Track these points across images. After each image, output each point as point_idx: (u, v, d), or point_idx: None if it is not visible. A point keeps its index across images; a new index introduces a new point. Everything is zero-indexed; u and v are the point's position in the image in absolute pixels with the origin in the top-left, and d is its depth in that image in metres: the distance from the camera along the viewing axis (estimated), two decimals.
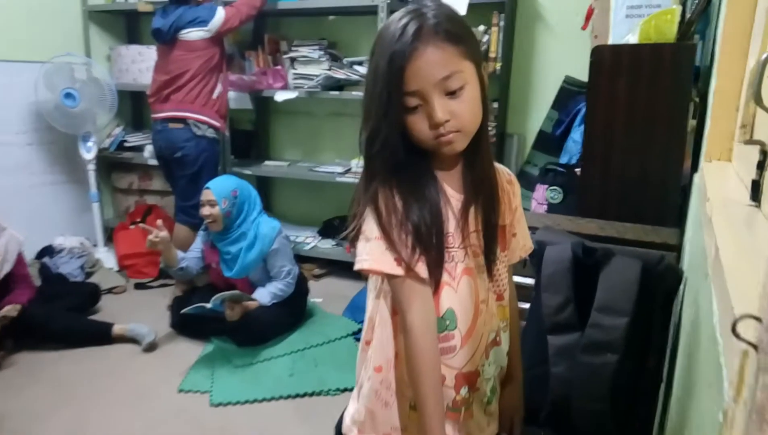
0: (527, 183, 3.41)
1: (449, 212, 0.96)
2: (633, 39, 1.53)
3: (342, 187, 3.57)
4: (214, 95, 3.00)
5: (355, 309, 2.94)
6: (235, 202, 2.59)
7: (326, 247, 3.61)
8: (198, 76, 2.92)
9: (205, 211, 2.56)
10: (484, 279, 1.01)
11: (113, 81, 3.72)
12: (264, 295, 2.61)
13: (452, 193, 0.97)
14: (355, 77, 3.31)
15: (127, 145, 4.01)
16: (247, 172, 3.58)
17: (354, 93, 3.29)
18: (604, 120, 1.51)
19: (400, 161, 0.93)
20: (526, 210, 3.17)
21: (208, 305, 2.42)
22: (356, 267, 0.94)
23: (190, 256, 2.69)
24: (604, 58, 1.51)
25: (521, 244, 1.10)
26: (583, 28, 2.89)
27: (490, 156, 1.01)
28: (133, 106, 4.35)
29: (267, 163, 3.77)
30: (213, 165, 3.06)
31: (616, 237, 1.49)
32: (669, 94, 1.43)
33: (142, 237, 3.61)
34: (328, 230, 3.78)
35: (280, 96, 3.38)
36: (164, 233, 2.47)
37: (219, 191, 2.56)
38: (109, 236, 3.92)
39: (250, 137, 3.96)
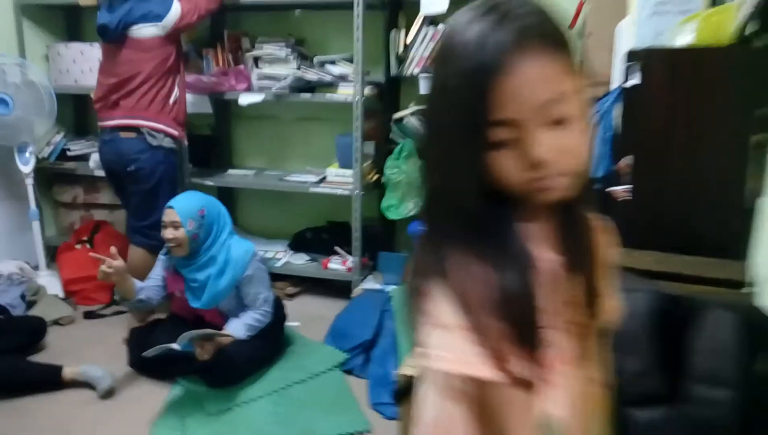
0: None
1: (543, 281, 0.71)
2: (684, 40, 1.32)
3: (314, 197, 3.28)
4: (171, 100, 2.65)
5: (339, 335, 2.66)
6: (202, 223, 2.27)
7: (299, 262, 3.31)
8: (152, 79, 2.57)
9: (168, 233, 2.23)
10: (590, 367, 0.76)
11: (51, 84, 3.31)
12: (239, 329, 2.31)
13: (544, 254, 0.72)
14: (327, 78, 3.02)
15: (69, 154, 3.59)
16: (208, 182, 3.24)
17: (328, 95, 3.00)
18: (656, 134, 1.29)
19: (475, 212, 0.68)
20: None
21: (176, 346, 2.09)
22: (433, 365, 0.67)
23: (150, 284, 2.35)
24: (655, 63, 1.28)
25: (612, 307, 0.86)
26: (571, 26, 2.67)
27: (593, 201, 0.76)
28: (76, 111, 3.92)
29: (231, 172, 3.43)
30: (171, 179, 2.72)
31: (669, 272, 1.28)
32: (735, 103, 1.22)
33: (90, 258, 3.25)
34: (299, 244, 3.48)
35: (245, 99, 3.06)
36: (119, 262, 2.14)
37: (184, 211, 2.23)
38: (53, 257, 3.50)
39: (209, 144, 3.61)
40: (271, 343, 2.48)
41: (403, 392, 1.74)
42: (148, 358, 2.23)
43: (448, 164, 0.66)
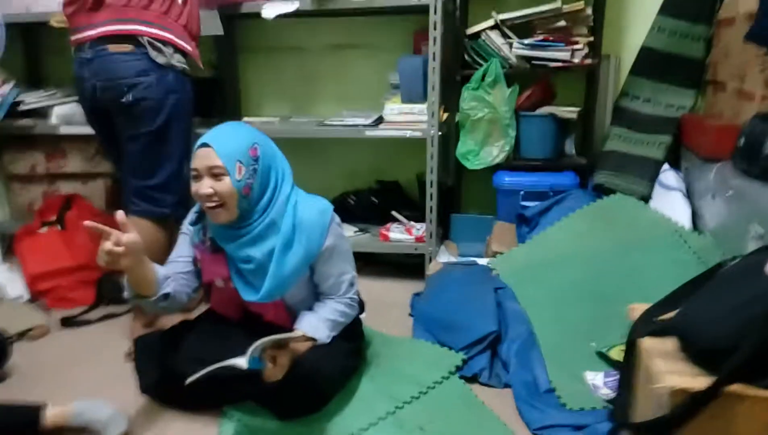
0: (628, 122, 2.48)
1: None
2: None
3: (356, 152, 2.48)
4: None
5: (438, 328, 1.89)
6: (256, 169, 1.44)
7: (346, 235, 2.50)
8: None
9: (204, 188, 1.40)
10: None
11: None
12: (319, 328, 1.50)
13: None
14: None
15: (23, 108, 2.67)
16: None
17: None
18: None
19: None
20: (648, 199, 2.19)
21: (242, 363, 1.27)
22: None
23: (175, 271, 1.52)
24: None
25: None
26: None
27: None
28: (28, 51, 2.98)
29: (248, 120, 2.58)
30: (186, 116, 1.86)
31: None
32: None
33: (62, 243, 2.37)
34: (340, 212, 2.64)
35: (272, 9, 2.21)
36: (132, 236, 1.31)
37: (228, 150, 1.40)
38: (8, 247, 2.60)
39: (212, 87, 2.74)
40: (357, 346, 1.69)
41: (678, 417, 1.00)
42: (183, 382, 1.41)
43: None
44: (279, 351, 1.39)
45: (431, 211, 2.30)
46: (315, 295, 1.59)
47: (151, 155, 1.80)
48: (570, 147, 2.46)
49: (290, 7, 2.19)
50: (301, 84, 2.79)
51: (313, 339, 1.49)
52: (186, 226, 1.59)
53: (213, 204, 1.41)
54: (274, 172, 1.50)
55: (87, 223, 1.25)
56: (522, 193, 2.34)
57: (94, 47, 1.72)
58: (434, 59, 2.14)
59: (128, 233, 1.30)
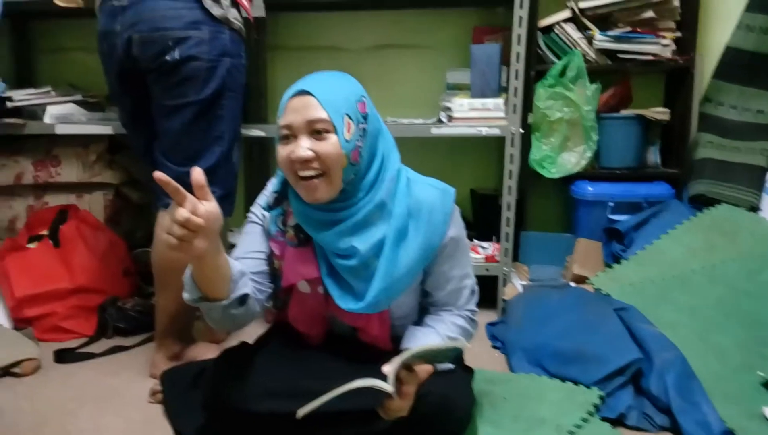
0: (717, 129, 2.21)
1: None
2: None
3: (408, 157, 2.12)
4: None
5: (541, 355, 1.51)
6: (366, 129, 1.08)
7: None
8: None
9: (303, 149, 1.01)
10: None
11: None
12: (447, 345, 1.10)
13: None
14: None
15: (11, 105, 2.24)
16: (256, 131, 2.02)
17: None
18: None
19: None
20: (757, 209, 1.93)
21: (385, 388, 0.87)
22: None
23: (252, 274, 1.12)
24: None
25: None
26: None
27: None
28: (17, 48, 2.58)
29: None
30: (241, 88, 1.50)
31: None
32: None
33: (55, 261, 1.92)
34: None
35: None
36: (212, 206, 0.91)
37: (335, 99, 1.03)
38: None
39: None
40: (469, 374, 1.29)
41: None
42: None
43: None
44: (406, 375, 0.98)
45: (507, 223, 1.95)
46: (419, 306, 1.20)
47: (197, 134, 1.41)
48: (655, 155, 2.17)
49: None
50: None
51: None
52: (258, 212, 1.19)
53: (312, 172, 1.02)
54: (383, 140, 1.14)
55: (158, 174, 0.85)
56: (611, 205, 2.02)
57: None
58: (519, 41, 1.84)
59: (207, 201, 0.90)
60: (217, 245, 0.95)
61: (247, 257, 1.15)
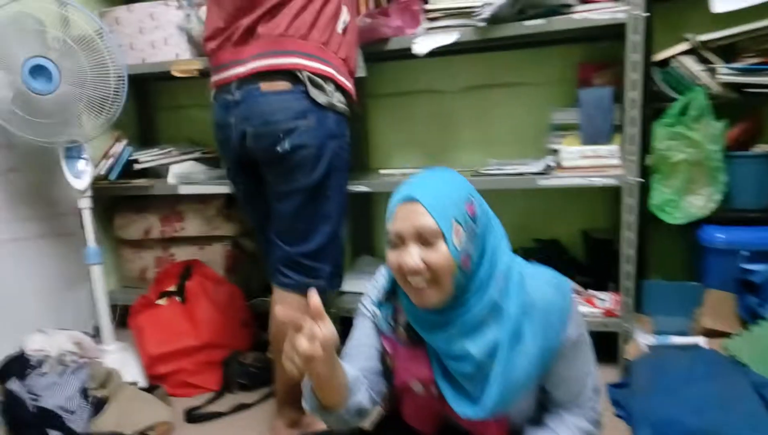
0: None
1: None
2: None
3: (507, 205, 2.03)
4: (339, 26, 1.48)
5: (672, 429, 1.40)
6: (475, 231, 1.05)
7: None
8: None
9: (414, 259, 1.00)
10: None
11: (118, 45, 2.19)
12: None
13: None
14: None
15: (138, 167, 2.44)
16: (359, 187, 2.05)
17: (576, 16, 1.78)
18: None
19: None
20: None
21: None
22: None
23: (364, 370, 1.13)
24: None
25: None
26: None
27: None
28: (140, 108, 2.80)
29: (383, 172, 2.23)
30: (345, 166, 1.53)
31: None
32: None
33: (183, 319, 2.05)
34: None
35: (424, 44, 1.89)
36: (329, 331, 0.92)
37: (442, 205, 1.02)
38: (120, 319, 2.33)
39: None
40: None
41: None
42: None
43: None
44: None
45: (627, 277, 1.84)
46: (539, 407, 1.16)
47: (307, 216, 1.45)
48: None
49: (448, 40, 1.85)
50: (436, 131, 2.44)
51: None
52: (369, 306, 1.20)
53: (422, 282, 1.02)
54: (492, 235, 1.10)
55: (280, 311, 0.88)
56: (745, 253, 1.84)
57: (243, 87, 1.42)
58: (633, 87, 1.73)
59: (324, 325, 0.92)
60: (334, 362, 0.96)
61: (360, 354, 1.16)
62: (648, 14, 1.70)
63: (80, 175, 2.02)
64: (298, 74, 1.39)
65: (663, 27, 2.05)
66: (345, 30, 1.50)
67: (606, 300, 1.94)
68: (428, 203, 1.01)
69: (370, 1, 2.13)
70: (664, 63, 1.98)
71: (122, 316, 2.34)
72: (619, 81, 1.83)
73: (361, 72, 2.00)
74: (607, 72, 2.07)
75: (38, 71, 1.81)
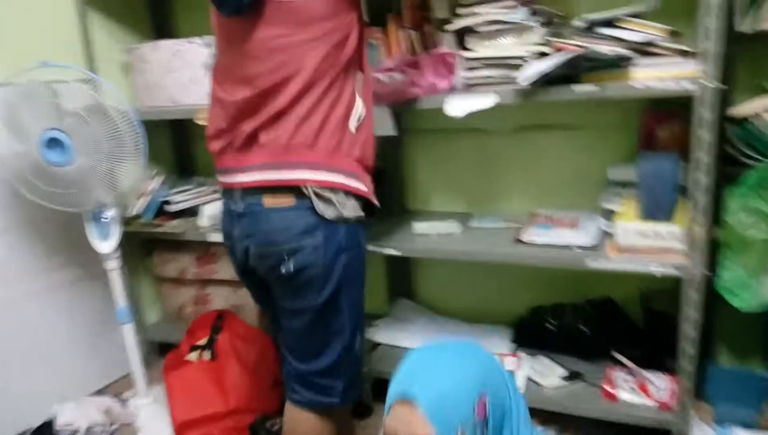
0: None
1: None
2: None
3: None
4: (352, 124, 1.31)
5: None
6: (486, 426, 0.90)
7: (551, 380, 1.90)
8: (318, 86, 1.23)
9: None
10: None
11: (136, 106, 2.11)
12: None
13: None
14: (621, 51, 1.55)
15: (170, 208, 2.39)
16: (389, 250, 1.90)
17: (632, 83, 1.53)
18: None
19: None
20: None
21: None
22: None
23: None
24: None
25: None
26: None
27: None
28: (176, 141, 2.74)
29: (416, 227, 2.05)
30: (360, 276, 1.39)
31: None
32: None
33: (212, 382, 2.01)
34: (531, 337, 2.08)
35: (458, 105, 1.68)
36: None
37: (444, 410, 0.88)
38: (156, 359, 2.34)
39: (378, 181, 2.27)
40: None
41: None
42: None
43: None
44: None
45: (685, 371, 1.63)
46: None
47: (318, 333, 1.34)
48: None
49: (486, 104, 1.64)
50: (480, 173, 2.23)
51: None
52: None
53: None
54: (509, 421, 0.95)
55: None
56: None
57: (246, 198, 1.30)
58: (700, 166, 1.48)
59: None
60: None
61: None
62: (725, 86, 1.43)
63: (106, 235, 1.98)
64: (303, 189, 1.24)
65: (745, 70, 1.76)
66: (360, 125, 1.33)
67: (662, 389, 1.74)
68: (428, 407, 0.87)
69: (402, 44, 1.93)
70: (742, 119, 1.70)
71: (163, 350, 2.35)
72: (689, 135, 1.57)
73: (387, 131, 1.84)
74: (674, 123, 1.80)
75: (54, 143, 1.75)
